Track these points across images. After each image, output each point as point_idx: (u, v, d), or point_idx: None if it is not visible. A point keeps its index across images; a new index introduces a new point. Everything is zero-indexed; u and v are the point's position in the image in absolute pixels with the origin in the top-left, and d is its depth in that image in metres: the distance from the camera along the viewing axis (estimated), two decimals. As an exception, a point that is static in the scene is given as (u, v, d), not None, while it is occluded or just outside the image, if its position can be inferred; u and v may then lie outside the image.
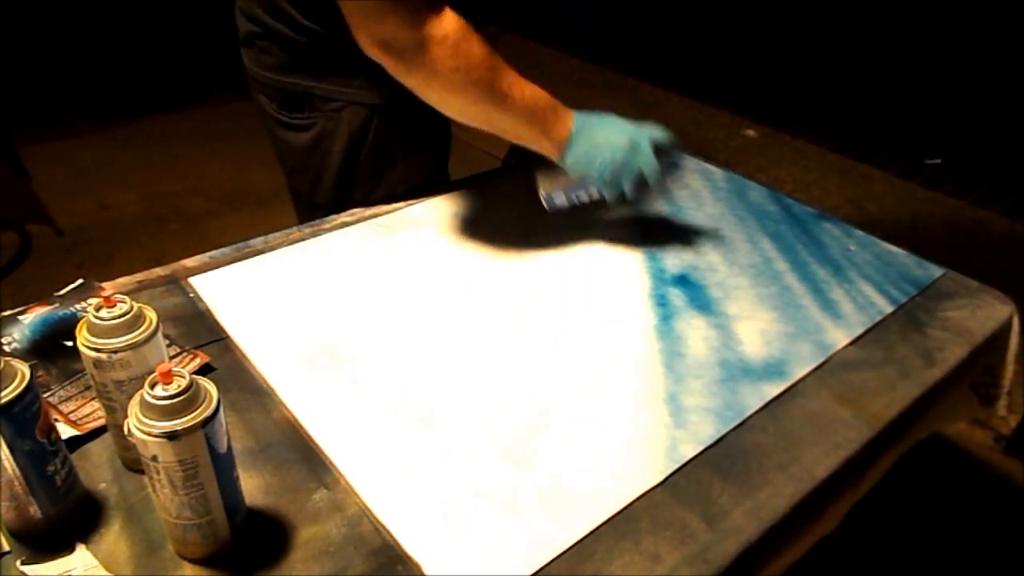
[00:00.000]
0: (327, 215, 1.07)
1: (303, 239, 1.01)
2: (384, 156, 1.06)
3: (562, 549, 0.61)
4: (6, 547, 0.58)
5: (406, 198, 1.10)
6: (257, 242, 1.00)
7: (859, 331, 0.89)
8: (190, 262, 0.95)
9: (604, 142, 0.91)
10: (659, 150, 0.94)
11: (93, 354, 0.58)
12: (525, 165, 1.23)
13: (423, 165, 1.12)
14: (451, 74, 0.84)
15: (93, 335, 0.58)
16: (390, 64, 0.85)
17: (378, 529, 0.62)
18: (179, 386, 0.52)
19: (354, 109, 1.00)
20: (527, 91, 0.89)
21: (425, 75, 0.85)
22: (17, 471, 0.55)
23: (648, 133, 0.94)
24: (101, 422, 0.68)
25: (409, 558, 0.59)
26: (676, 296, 0.93)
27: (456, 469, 0.68)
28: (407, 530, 0.62)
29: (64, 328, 0.78)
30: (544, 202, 0.99)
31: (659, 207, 1.11)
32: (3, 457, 0.54)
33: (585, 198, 0.99)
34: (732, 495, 0.67)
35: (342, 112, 1.01)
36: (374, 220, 1.06)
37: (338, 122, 1.01)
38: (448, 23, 0.82)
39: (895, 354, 0.86)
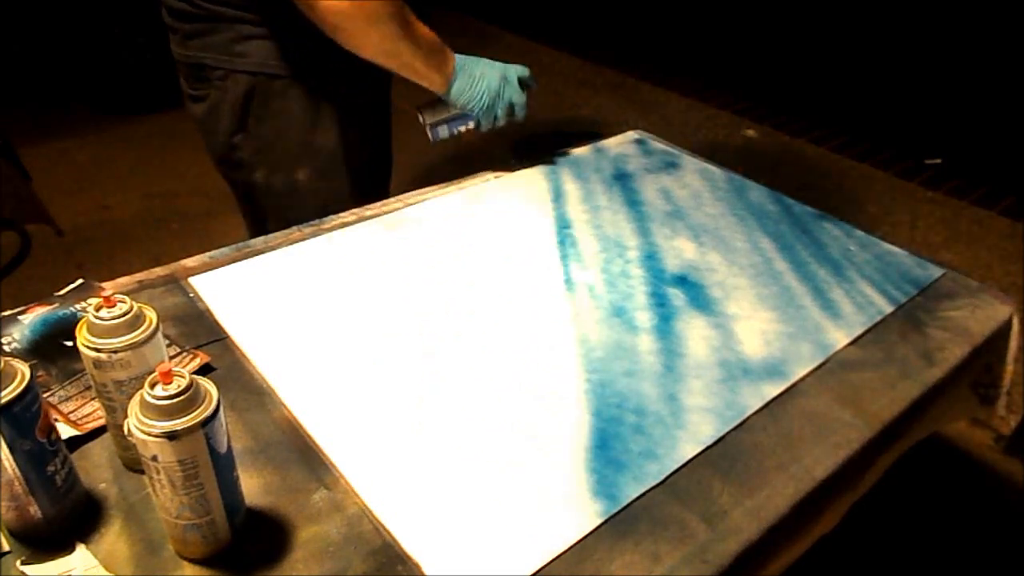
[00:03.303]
0: (241, 193, 1.14)
1: (303, 239, 1.01)
2: (276, 129, 1.06)
3: (562, 549, 0.61)
4: (6, 547, 0.58)
5: (328, 185, 1.11)
6: (257, 242, 1.00)
7: (859, 331, 0.89)
8: (190, 262, 0.95)
9: (481, 75, 1.08)
10: (523, 84, 1.12)
11: (93, 354, 0.58)
12: (526, 165, 1.24)
13: (336, 145, 1.09)
14: (387, 18, 0.93)
15: (93, 335, 0.58)
16: (334, 7, 0.89)
17: (378, 529, 0.62)
18: (179, 386, 0.52)
19: (236, 77, 1.02)
20: (425, 30, 1.00)
21: (364, 17, 0.91)
22: (17, 471, 0.55)
23: (515, 70, 1.11)
24: (101, 422, 0.68)
25: (409, 558, 0.59)
26: (676, 296, 0.93)
27: (456, 469, 0.68)
28: (407, 530, 0.62)
29: (64, 328, 0.78)
30: (428, 134, 1.14)
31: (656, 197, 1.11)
32: (3, 457, 0.54)
33: (463, 128, 1.15)
34: (732, 495, 0.67)
35: (226, 80, 1.03)
36: (374, 220, 1.06)
37: (223, 90, 1.04)
38: None
39: (895, 354, 0.86)
